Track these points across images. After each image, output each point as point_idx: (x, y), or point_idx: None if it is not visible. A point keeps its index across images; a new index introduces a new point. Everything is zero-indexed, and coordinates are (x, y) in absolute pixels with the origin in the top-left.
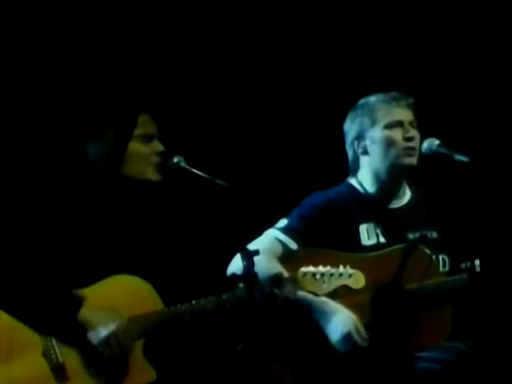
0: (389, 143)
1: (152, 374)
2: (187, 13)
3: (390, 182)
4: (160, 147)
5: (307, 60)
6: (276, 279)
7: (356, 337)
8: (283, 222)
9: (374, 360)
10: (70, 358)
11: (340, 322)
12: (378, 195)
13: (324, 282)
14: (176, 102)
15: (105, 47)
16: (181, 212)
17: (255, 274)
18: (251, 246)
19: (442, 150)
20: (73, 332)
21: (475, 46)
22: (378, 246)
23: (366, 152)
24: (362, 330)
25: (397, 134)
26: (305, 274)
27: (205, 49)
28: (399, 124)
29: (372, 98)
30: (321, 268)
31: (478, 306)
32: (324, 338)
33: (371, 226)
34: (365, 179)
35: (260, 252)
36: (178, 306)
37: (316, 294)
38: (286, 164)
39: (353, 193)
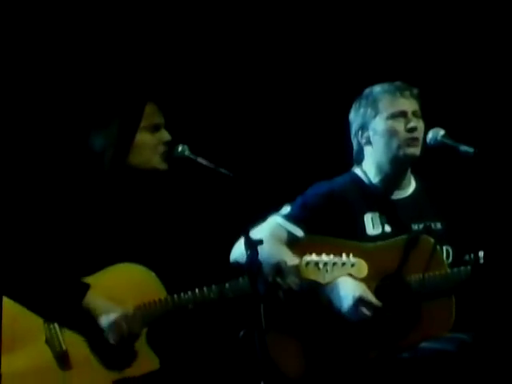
0: (391, 134)
1: (155, 363)
2: (192, 2)
3: (393, 172)
4: (167, 136)
5: (314, 48)
6: (278, 269)
7: (368, 301)
8: (286, 209)
9: (378, 349)
10: (74, 346)
11: (351, 288)
12: (381, 185)
13: (327, 271)
14: (180, 92)
15: (110, 38)
16: (185, 201)
17: (259, 265)
18: (255, 232)
19: (446, 140)
20: (78, 319)
21: (481, 37)
22: (383, 236)
23: (369, 142)
24: (372, 296)
25: (399, 125)
26: (308, 262)
27: (209, 38)
28: (402, 114)
29: (376, 88)
30: (324, 257)
31: (482, 297)
32: (333, 315)
33: (376, 215)
34: (369, 169)
35: (264, 238)
36: (182, 294)
37: (319, 283)
38: (289, 154)
39: (357, 183)
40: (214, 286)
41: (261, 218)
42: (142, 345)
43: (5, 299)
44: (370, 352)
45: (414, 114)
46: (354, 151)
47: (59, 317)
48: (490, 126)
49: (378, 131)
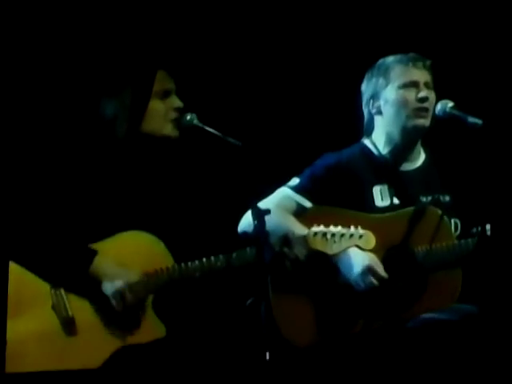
0: (401, 103)
1: (162, 330)
2: None
3: (402, 143)
4: (178, 103)
5: (328, 18)
6: (286, 239)
7: (376, 270)
8: (295, 181)
9: (382, 319)
10: (80, 312)
11: (361, 257)
12: (391, 157)
13: (335, 242)
14: (190, 60)
15: (120, 8)
16: (193, 170)
17: (266, 234)
18: (264, 204)
19: (455, 112)
20: (85, 284)
21: (492, 11)
22: (391, 207)
23: (379, 112)
24: (381, 266)
25: (410, 94)
26: (315, 233)
27: (219, 8)
28: (414, 84)
29: (389, 59)
30: (332, 228)
31: (488, 269)
32: (339, 285)
33: (384, 187)
34: (378, 140)
35: (272, 208)
36: (189, 263)
37: (326, 254)
38: (299, 123)
39: (366, 154)
40: (221, 256)
41: (269, 190)
42: (148, 312)
43: (11, 264)
44: (374, 323)
45: (426, 84)
46: (365, 121)
47: (66, 281)
48: (498, 98)
49: (389, 100)
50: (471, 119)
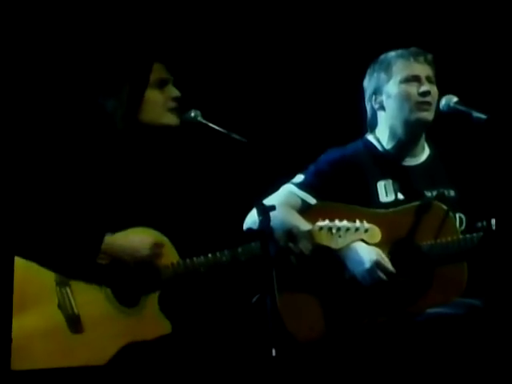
0: (403, 97)
1: (167, 327)
2: None
3: (406, 138)
4: (175, 92)
5: (331, 13)
6: (291, 234)
7: (385, 265)
8: (300, 178)
9: (387, 314)
10: (86, 309)
11: (367, 252)
12: (395, 152)
13: (340, 237)
14: (193, 56)
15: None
16: (198, 166)
17: (270, 230)
18: (268, 201)
19: (459, 107)
20: (96, 269)
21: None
22: (396, 203)
23: (382, 107)
24: (388, 260)
25: (412, 89)
26: (321, 228)
27: (221, 3)
28: (416, 79)
29: (391, 54)
30: (337, 222)
31: (494, 264)
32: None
33: (389, 182)
34: (382, 135)
35: (277, 205)
36: (194, 258)
37: (332, 249)
38: (303, 119)
39: (370, 149)
40: (226, 250)
41: (274, 186)
42: (154, 309)
43: (17, 261)
44: (379, 317)
45: (428, 78)
46: (368, 117)
47: (77, 271)
48: (503, 92)
49: (391, 95)
50: (476, 114)
